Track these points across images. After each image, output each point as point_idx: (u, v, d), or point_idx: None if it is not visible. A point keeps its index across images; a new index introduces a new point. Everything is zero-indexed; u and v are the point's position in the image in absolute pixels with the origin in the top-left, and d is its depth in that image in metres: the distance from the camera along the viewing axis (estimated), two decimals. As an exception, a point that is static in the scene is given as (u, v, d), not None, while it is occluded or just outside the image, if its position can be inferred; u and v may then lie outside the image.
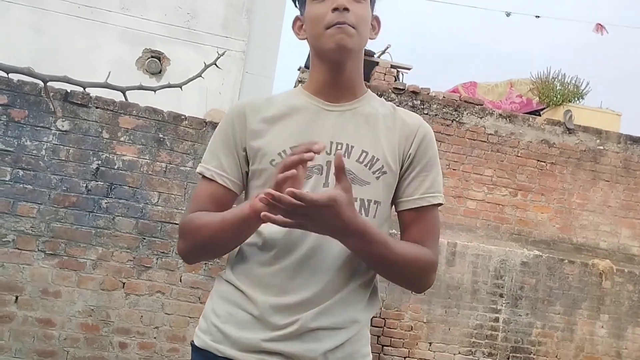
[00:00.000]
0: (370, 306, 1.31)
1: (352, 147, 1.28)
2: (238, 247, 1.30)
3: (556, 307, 5.98)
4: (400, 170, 1.31)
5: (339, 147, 1.27)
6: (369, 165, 1.28)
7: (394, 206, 1.35)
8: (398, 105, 1.43)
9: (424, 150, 1.32)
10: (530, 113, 7.58)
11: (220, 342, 1.24)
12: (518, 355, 5.84)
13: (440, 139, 6.51)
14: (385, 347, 5.58)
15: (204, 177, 1.33)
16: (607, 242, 6.60)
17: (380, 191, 1.28)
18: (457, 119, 6.55)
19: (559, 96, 7.74)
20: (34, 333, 4.10)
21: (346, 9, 1.23)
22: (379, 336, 5.53)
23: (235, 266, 1.29)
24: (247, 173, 1.33)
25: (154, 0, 6.97)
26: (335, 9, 1.23)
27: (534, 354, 5.86)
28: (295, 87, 1.39)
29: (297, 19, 1.36)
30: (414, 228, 1.30)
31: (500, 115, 6.68)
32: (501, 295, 5.90)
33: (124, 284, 4.30)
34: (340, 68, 1.29)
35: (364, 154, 1.28)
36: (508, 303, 5.91)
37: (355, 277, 1.26)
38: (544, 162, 6.61)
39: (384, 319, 5.57)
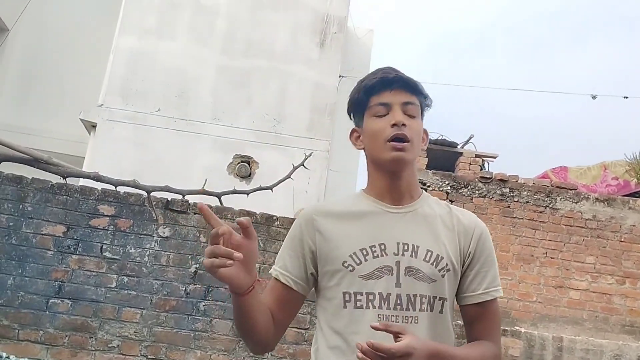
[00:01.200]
0: None
1: (417, 246, 1.37)
2: (321, 350, 1.40)
3: (686, 409, 5.37)
4: (462, 267, 1.41)
5: (405, 248, 1.37)
6: (434, 263, 1.36)
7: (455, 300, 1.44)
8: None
9: (482, 247, 1.42)
10: (629, 195, 7.21)
11: None
12: None
13: (534, 227, 6.28)
14: None
15: (272, 277, 1.48)
16: None
17: (446, 288, 1.37)
18: (550, 205, 6.33)
19: (659, 176, 7.34)
20: None
21: (404, 125, 1.37)
22: None
23: None
24: (312, 275, 1.43)
25: (243, 109, 7.43)
26: (394, 125, 1.36)
27: None
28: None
29: (354, 130, 1.49)
30: (480, 323, 1.41)
31: (597, 199, 6.40)
32: (620, 395, 5.38)
33: (221, 388, 4.30)
34: (398, 176, 1.42)
35: (429, 253, 1.37)
36: (629, 404, 5.36)
37: None
38: (652, 246, 6.19)
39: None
